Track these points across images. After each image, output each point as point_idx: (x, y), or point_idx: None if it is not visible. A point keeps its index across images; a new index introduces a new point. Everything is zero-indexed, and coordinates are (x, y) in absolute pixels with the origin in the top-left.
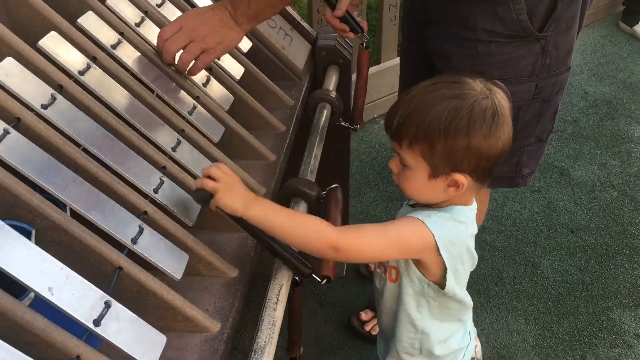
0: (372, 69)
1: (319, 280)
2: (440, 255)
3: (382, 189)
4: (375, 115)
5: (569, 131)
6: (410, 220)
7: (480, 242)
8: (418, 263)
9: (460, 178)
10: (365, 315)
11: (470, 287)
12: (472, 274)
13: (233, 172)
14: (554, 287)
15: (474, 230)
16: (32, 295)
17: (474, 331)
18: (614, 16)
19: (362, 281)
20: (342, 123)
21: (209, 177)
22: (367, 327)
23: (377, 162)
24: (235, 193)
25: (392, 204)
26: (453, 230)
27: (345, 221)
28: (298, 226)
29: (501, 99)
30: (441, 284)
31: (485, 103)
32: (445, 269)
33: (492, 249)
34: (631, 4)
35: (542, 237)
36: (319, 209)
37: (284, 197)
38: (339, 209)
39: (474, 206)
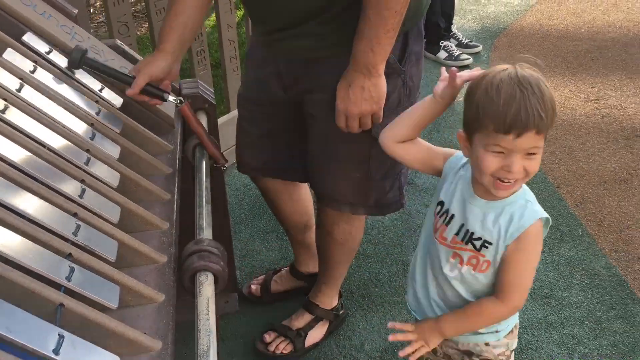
0: (223, 118)
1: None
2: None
3: (256, 225)
4: (234, 161)
5: None
6: (538, 227)
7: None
8: None
9: None
10: (268, 337)
11: (353, 293)
12: (353, 281)
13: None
14: None
15: None
16: None
17: None
18: None
19: (255, 310)
20: (213, 165)
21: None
22: (272, 348)
23: (245, 202)
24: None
25: (268, 236)
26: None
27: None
28: (480, 322)
29: None
30: None
31: None
32: None
33: (365, 257)
34: (430, 36)
35: (404, 238)
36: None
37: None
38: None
39: None
